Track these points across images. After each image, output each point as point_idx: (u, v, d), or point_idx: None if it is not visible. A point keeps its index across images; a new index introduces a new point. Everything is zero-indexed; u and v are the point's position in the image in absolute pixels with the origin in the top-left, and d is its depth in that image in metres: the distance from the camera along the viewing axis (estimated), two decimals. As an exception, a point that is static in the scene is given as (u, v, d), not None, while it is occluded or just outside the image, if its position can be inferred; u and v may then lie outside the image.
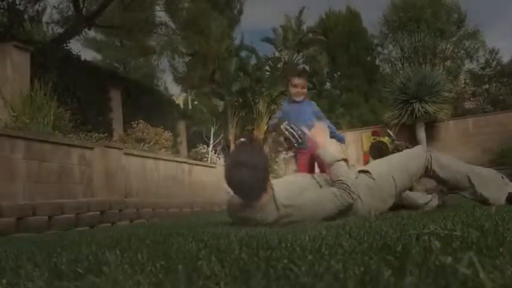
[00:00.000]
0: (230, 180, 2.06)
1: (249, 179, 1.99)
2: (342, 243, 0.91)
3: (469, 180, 2.26)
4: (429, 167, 2.31)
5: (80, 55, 9.32)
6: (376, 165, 2.42)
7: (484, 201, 2.24)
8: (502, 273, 0.53)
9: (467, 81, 20.60)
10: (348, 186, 2.10)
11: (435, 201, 2.46)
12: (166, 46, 14.83)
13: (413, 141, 10.55)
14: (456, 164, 2.36)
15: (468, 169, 2.32)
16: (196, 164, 7.78)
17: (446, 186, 2.41)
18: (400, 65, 22.29)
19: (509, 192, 2.23)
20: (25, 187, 3.97)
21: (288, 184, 2.27)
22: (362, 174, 2.29)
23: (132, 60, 23.53)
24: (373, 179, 2.27)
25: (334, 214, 2.09)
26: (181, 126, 12.24)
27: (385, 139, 7.83)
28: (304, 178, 2.33)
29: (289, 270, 0.63)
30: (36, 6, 11.09)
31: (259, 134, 11.04)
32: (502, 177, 2.32)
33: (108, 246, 1.38)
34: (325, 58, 16.00)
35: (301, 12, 13.55)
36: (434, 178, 2.38)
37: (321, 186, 2.22)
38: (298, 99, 3.24)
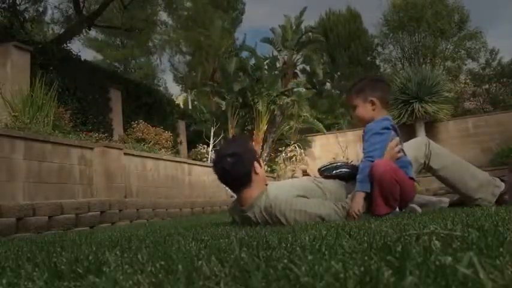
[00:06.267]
0: (215, 170, 2.14)
1: (231, 165, 2.06)
2: (342, 243, 0.91)
3: (466, 182, 2.24)
4: (426, 162, 2.29)
5: (80, 55, 9.32)
6: None
7: (472, 201, 2.23)
8: (502, 273, 0.53)
9: (467, 81, 20.59)
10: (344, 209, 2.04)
11: (446, 200, 2.40)
12: (167, 45, 14.86)
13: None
14: (454, 162, 2.32)
15: (465, 170, 2.29)
16: (196, 164, 7.77)
17: (443, 183, 2.38)
18: (400, 65, 22.28)
19: (500, 194, 2.22)
20: (25, 187, 3.97)
21: (284, 183, 2.27)
22: None
23: (132, 60, 23.56)
24: None
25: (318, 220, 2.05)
26: (181, 126, 12.24)
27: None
28: (304, 182, 2.29)
29: (289, 270, 0.63)
30: (37, 7, 11.11)
31: (259, 134, 11.03)
32: (494, 179, 2.28)
33: (108, 246, 1.38)
34: (319, 58, 16.00)
35: (302, 12, 13.53)
36: (431, 172, 2.35)
37: (324, 194, 2.17)
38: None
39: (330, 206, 2.07)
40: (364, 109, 2.18)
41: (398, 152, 2.10)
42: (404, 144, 2.41)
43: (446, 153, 2.35)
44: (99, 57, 22.53)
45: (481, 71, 21.11)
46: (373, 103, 2.16)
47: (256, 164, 2.12)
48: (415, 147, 2.33)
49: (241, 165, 2.08)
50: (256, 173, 2.11)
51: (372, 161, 2.01)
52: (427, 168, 2.33)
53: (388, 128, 2.11)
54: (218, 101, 11.66)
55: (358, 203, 1.97)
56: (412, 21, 20.71)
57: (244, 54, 13.86)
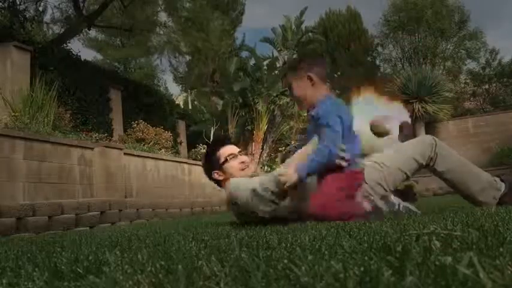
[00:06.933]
0: None
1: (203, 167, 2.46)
2: (342, 243, 0.91)
3: (468, 186, 2.18)
4: (430, 164, 2.20)
5: (80, 55, 9.32)
6: (384, 157, 2.23)
7: (474, 203, 2.21)
8: (502, 273, 0.53)
9: (467, 81, 20.60)
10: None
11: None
12: (166, 45, 14.85)
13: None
14: (459, 165, 2.24)
15: (469, 172, 2.22)
16: (196, 164, 7.77)
17: (446, 184, 2.31)
18: (400, 65, 22.27)
19: (501, 195, 2.17)
20: (25, 187, 3.97)
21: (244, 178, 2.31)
22: (370, 163, 2.14)
23: (132, 60, 23.56)
24: (381, 167, 2.12)
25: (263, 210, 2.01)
26: (181, 126, 12.23)
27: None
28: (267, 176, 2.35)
29: (289, 270, 0.63)
30: (37, 7, 11.12)
31: (258, 134, 11.03)
32: (495, 180, 2.21)
33: (108, 246, 1.38)
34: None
35: (302, 12, 13.52)
36: (434, 174, 2.27)
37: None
38: (304, 110, 2.13)
39: (269, 178, 2.03)
40: (301, 88, 2.01)
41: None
42: (406, 143, 2.31)
43: (452, 155, 2.25)
44: (99, 57, 22.52)
45: (481, 71, 21.09)
46: (311, 79, 1.98)
47: (216, 172, 2.33)
48: (416, 150, 2.20)
49: (206, 174, 2.44)
50: (220, 179, 2.33)
51: (320, 162, 1.89)
52: (430, 169, 2.24)
53: (340, 117, 1.92)
54: (216, 101, 11.65)
55: (288, 172, 1.89)
56: (412, 21, 20.70)
57: (244, 54, 13.86)
